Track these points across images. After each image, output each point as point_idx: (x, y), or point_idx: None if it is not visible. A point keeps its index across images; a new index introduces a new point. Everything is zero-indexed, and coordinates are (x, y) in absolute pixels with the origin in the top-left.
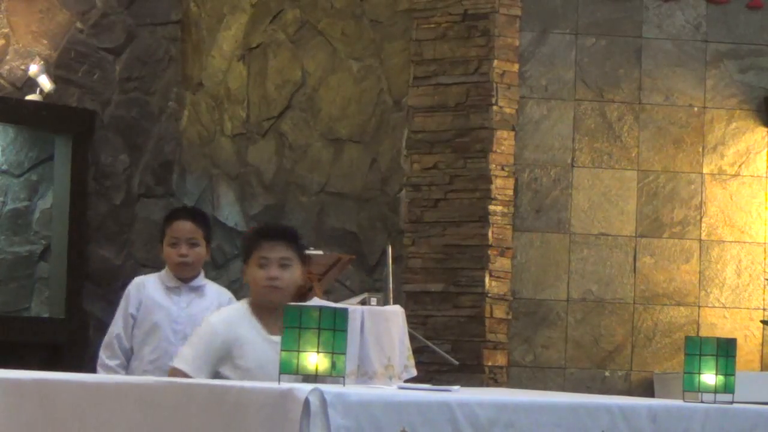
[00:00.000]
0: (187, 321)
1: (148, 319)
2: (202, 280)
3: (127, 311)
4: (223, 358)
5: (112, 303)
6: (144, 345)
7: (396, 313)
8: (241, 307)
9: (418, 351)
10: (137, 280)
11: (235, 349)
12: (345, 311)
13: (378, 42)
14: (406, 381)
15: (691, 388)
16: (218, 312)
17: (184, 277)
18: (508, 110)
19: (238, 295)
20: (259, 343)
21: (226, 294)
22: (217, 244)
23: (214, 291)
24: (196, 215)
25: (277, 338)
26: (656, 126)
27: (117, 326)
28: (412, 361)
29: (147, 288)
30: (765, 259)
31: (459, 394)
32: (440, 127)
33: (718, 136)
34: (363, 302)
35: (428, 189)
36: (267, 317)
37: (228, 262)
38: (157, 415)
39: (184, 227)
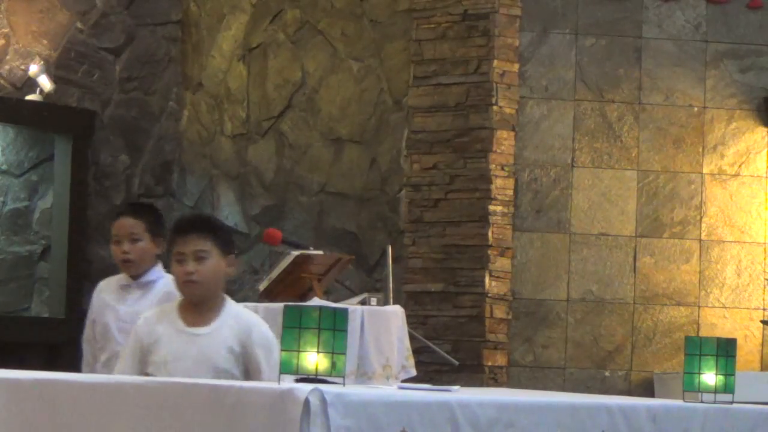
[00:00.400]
0: (132, 319)
1: (101, 321)
2: (153, 275)
3: (90, 317)
4: (145, 358)
5: None
6: (101, 347)
7: (396, 313)
8: (171, 303)
9: (418, 351)
10: (99, 284)
11: (152, 347)
12: (345, 311)
13: (378, 42)
14: (406, 381)
15: (691, 388)
16: (149, 311)
17: (132, 275)
18: (508, 110)
19: (237, 294)
20: (174, 336)
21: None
22: None
23: (162, 284)
24: (138, 209)
25: (197, 330)
26: (656, 126)
27: (85, 332)
28: (411, 361)
29: (102, 290)
30: (765, 259)
31: (459, 394)
32: (440, 127)
33: (718, 136)
34: (363, 302)
35: (428, 189)
36: (190, 311)
37: None
38: (157, 415)
39: (124, 223)
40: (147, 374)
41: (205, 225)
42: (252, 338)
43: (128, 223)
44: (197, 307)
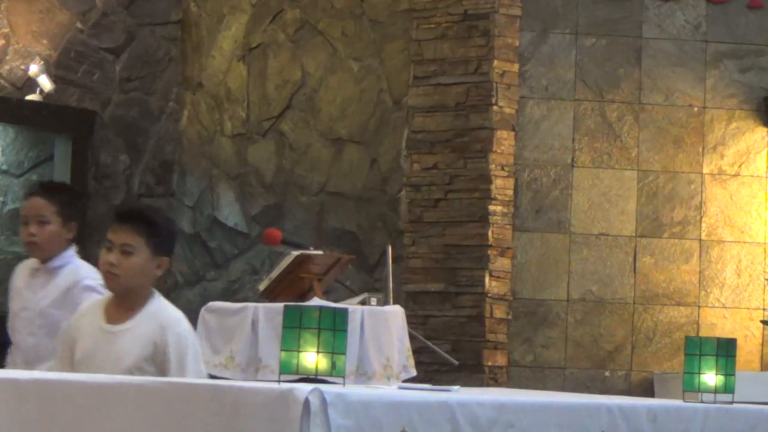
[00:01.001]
0: (35, 306)
1: (11, 307)
2: (61, 260)
3: (8, 303)
4: (72, 354)
5: None
6: (12, 335)
7: (396, 313)
8: (105, 297)
9: (418, 351)
10: (16, 267)
11: (75, 343)
12: (345, 311)
13: (378, 42)
14: (406, 381)
15: (691, 388)
16: (84, 304)
17: (41, 259)
18: (508, 110)
19: (237, 294)
20: (92, 333)
21: (82, 276)
22: (218, 244)
23: (68, 272)
24: (49, 190)
25: (114, 327)
26: (656, 126)
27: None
28: (411, 361)
29: (16, 274)
30: (765, 259)
31: (459, 394)
32: (440, 127)
33: (718, 136)
34: (363, 302)
35: (428, 189)
36: (113, 307)
37: (228, 261)
38: (157, 415)
39: (32, 204)
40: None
41: (142, 220)
42: (165, 337)
43: (37, 204)
44: (120, 302)
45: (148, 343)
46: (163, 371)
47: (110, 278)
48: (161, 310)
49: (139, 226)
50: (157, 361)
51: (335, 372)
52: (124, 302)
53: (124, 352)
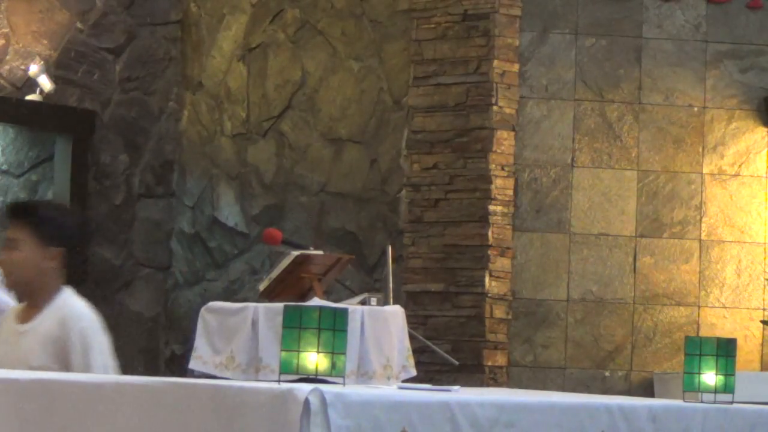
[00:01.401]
0: None
1: None
2: None
3: None
4: None
5: (111, 303)
6: None
7: (396, 313)
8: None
9: (418, 351)
10: None
11: None
12: (345, 311)
13: (378, 42)
14: (406, 381)
15: (691, 388)
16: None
17: None
18: (508, 110)
19: (237, 294)
20: (6, 335)
21: None
22: (218, 244)
23: None
24: None
25: (21, 327)
26: (656, 126)
27: None
28: (411, 361)
29: None
30: (765, 259)
31: (459, 394)
32: (440, 127)
33: (718, 136)
34: (363, 302)
35: (428, 189)
36: (24, 307)
37: (228, 261)
38: (157, 415)
39: None
40: None
41: (22, 213)
42: (68, 333)
43: None
44: (27, 301)
45: (50, 339)
46: (67, 368)
47: (6, 276)
48: (65, 305)
49: (21, 219)
50: (61, 357)
51: (335, 372)
52: (31, 300)
53: (29, 351)
